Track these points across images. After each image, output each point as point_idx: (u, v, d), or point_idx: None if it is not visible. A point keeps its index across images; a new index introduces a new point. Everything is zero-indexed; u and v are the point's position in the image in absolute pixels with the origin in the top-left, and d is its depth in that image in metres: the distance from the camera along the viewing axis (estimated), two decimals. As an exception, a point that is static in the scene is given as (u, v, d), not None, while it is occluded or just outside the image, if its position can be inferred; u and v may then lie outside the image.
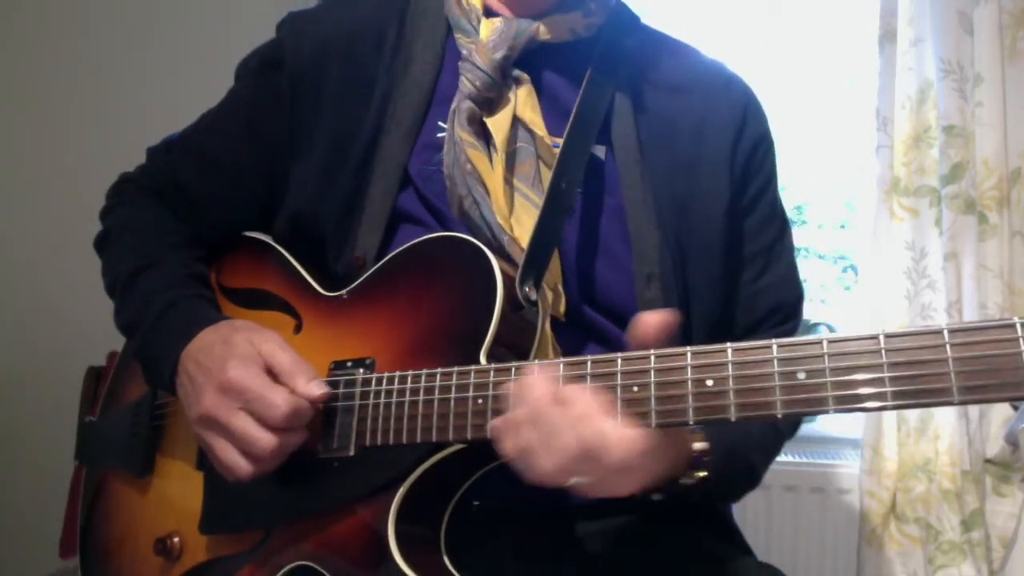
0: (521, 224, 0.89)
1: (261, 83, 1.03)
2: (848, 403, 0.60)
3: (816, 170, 2.54)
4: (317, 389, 0.82)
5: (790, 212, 2.58)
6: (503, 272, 0.81)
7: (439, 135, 0.95)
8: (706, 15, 2.45)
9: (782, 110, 2.32)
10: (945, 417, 2.01)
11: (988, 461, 2.02)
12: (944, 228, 2.02)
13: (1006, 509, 2.01)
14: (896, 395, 0.59)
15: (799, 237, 2.59)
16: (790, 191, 2.56)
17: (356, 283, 0.91)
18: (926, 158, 2.07)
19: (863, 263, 2.15)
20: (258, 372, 0.82)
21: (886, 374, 0.60)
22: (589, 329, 0.93)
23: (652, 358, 0.68)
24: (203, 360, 0.87)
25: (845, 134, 2.24)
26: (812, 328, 2.15)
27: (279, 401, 0.80)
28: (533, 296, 0.83)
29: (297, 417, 0.81)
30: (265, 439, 0.80)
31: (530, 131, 0.93)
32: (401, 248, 0.89)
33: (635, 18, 1.07)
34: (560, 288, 0.90)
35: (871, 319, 2.09)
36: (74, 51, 2.16)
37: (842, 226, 2.60)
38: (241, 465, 0.82)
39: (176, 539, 0.93)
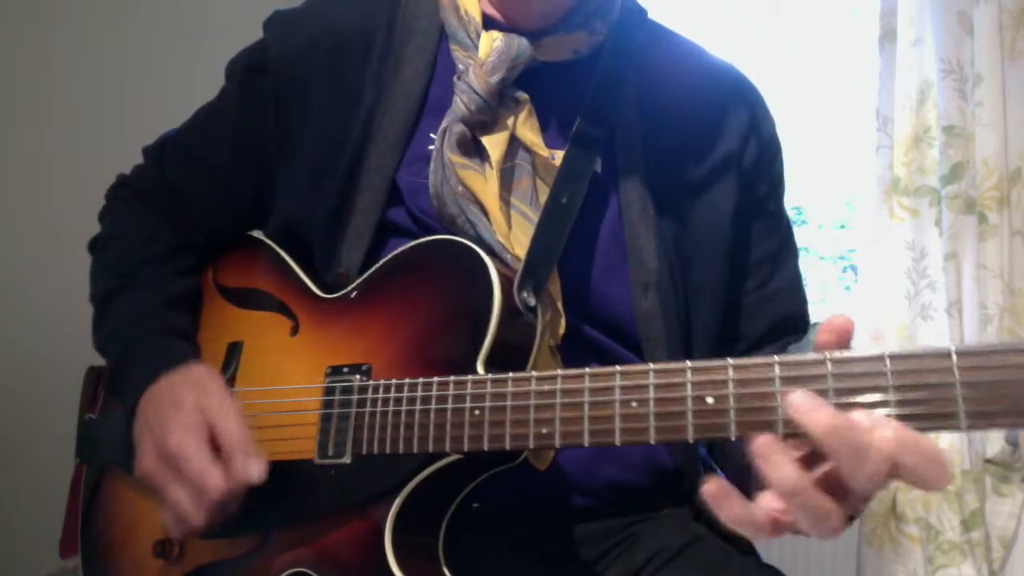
0: (520, 243, 0.88)
1: (247, 87, 1.02)
2: None
3: (816, 170, 2.55)
4: (254, 472, 0.80)
5: (790, 212, 2.59)
6: (501, 276, 0.80)
7: (430, 147, 0.93)
8: (706, 15, 2.45)
9: (782, 110, 2.31)
10: (945, 417, 2.02)
11: (988, 461, 2.02)
12: (944, 228, 2.02)
13: (1006, 509, 2.01)
14: (900, 419, 0.57)
15: (799, 237, 2.59)
16: (790, 191, 2.56)
17: (353, 285, 0.91)
18: (926, 158, 2.06)
19: (863, 263, 2.15)
20: (197, 444, 0.82)
21: (891, 396, 0.58)
22: (588, 347, 0.92)
23: (651, 373, 0.66)
24: (150, 414, 0.87)
25: (845, 134, 2.24)
26: (812, 328, 2.15)
27: (212, 485, 0.80)
28: (532, 302, 0.83)
29: (230, 499, 0.81)
30: (195, 518, 0.81)
31: (529, 150, 0.91)
32: (398, 250, 0.88)
33: (643, 13, 1.05)
34: (560, 306, 0.89)
35: (871, 319, 2.09)
36: (72, 51, 2.15)
37: (842, 226, 2.60)
38: (175, 529, 0.84)
39: (175, 542, 0.93)
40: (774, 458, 0.57)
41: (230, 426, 0.83)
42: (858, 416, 0.56)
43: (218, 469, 0.81)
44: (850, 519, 0.65)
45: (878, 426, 0.56)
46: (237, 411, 0.85)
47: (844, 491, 0.58)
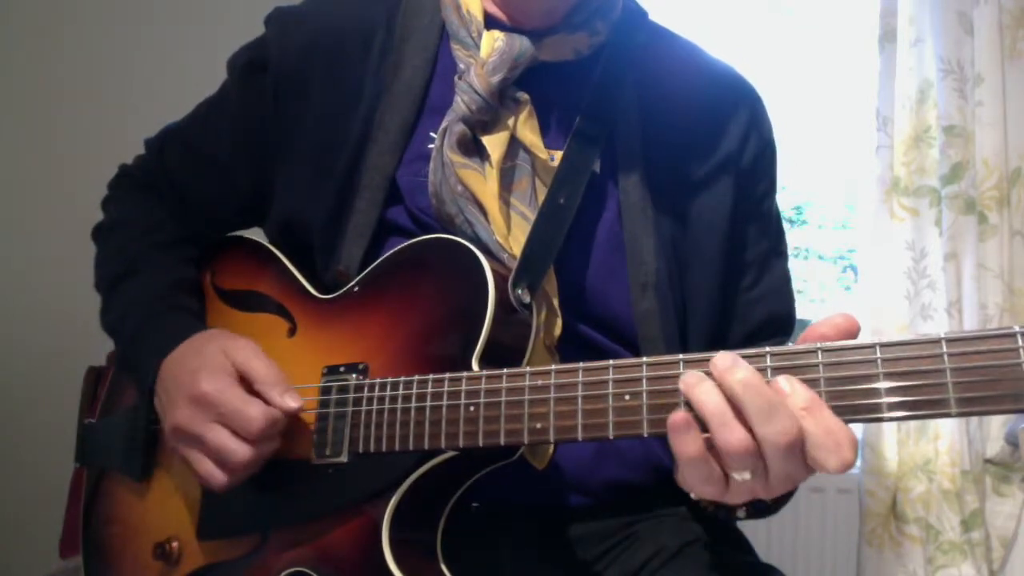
0: (518, 243, 0.87)
1: (247, 83, 1.02)
2: (843, 414, 0.60)
3: (816, 170, 2.55)
4: (292, 402, 0.82)
5: (790, 212, 2.59)
6: (495, 274, 0.80)
7: (430, 146, 0.93)
8: (706, 15, 2.46)
9: (783, 110, 2.32)
10: (945, 417, 2.02)
11: (988, 461, 2.02)
12: (944, 228, 2.02)
13: (1006, 509, 2.02)
14: (891, 407, 0.58)
15: (799, 237, 2.60)
16: (790, 191, 2.57)
17: (350, 286, 0.91)
18: (926, 158, 2.07)
19: (863, 263, 2.15)
20: (231, 383, 0.83)
21: (882, 384, 0.58)
22: (585, 347, 0.92)
23: (644, 367, 0.67)
24: (176, 373, 0.87)
25: (845, 134, 2.24)
26: (800, 324, 2.17)
27: (254, 414, 0.80)
28: (526, 299, 0.83)
29: (273, 428, 0.82)
30: (241, 451, 0.81)
31: (529, 151, 0.91)
32: (394, 250, 0.88)
33: (643, 14, 1.05)
34: (556, 305, 0.89)
35: (871, 319, 2.10)
36: (71, 49, 2.15)
37: (842, 226, 2.60)
38: (216, 475, 0.83)
39: (175, 544, 0.93)
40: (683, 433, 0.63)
41: (259, 364, 0.84)
42: (779, 380, 0.61)
43: (257, 401, 0.82)
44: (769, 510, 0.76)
45: (796, 391, 0.60)
46: (262, 352, 0.86)
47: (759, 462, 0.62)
